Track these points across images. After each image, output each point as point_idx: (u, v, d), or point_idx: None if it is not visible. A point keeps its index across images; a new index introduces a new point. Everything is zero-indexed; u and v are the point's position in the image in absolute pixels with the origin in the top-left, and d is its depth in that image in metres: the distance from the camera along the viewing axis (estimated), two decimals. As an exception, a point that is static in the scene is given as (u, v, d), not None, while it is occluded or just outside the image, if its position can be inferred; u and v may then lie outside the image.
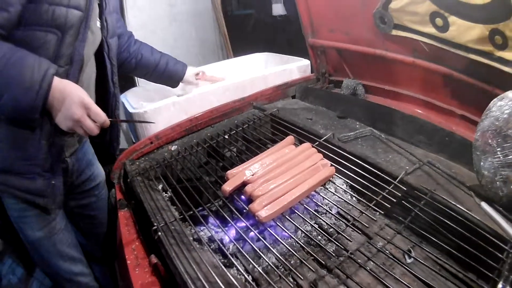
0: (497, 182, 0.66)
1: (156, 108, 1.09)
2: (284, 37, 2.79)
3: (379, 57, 1.16)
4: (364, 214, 0.68)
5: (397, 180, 0.73)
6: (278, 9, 2.84)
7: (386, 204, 0.69)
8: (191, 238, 0.66)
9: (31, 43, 0.63)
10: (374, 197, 0.70)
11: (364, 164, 0.78)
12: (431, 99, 1.10)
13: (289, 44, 2.59)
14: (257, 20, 3.21)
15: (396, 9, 1.05)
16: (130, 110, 1.12)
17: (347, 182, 0.79)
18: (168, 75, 1.13)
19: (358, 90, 1.31)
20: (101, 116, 0.67)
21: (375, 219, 0.68)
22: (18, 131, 0.69)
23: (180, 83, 1.20)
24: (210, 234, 0.70)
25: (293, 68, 1.50)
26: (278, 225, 0.67)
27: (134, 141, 1.18)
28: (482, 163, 0.69)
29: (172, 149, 0.98)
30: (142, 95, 1.36)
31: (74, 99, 0.63)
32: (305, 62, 1.52)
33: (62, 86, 0.63)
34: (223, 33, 3.34)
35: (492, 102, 0.68)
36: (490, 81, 0.90)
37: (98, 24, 0.78)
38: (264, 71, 1.41)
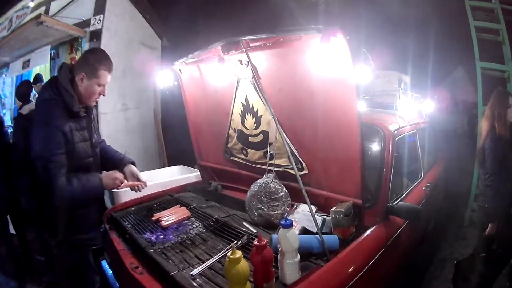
0: (255, 216, 2.15)
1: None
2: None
3: (227, 171, 2.83)
4: (202, 232, 2.18)
5: (214, 217, 2.25)
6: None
7: (209, 226, 2.19)
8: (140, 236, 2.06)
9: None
10: (205, 224, 2.20)
11: (206, 215, 2.30)
12: (245, 188, 2.72)
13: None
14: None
15: (230, 147, 2.72)
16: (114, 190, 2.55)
17: (199, 221, 2.28)
18: (114, 162, 2.14)
19: (218, 187, 2.92)
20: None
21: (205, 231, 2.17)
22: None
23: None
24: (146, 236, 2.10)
25: (192, 176, 3.11)
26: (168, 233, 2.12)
27: (112, 204, 2.57)
28: (250, 209, 2.22)
29: (133, 208, 2.40)
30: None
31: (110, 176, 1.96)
32: (198, 173, 3.15)
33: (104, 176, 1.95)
34: (161, 142, 4.87)
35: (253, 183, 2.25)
36: (262, 174, 2.23)
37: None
38: (176, 178, 2.99)
